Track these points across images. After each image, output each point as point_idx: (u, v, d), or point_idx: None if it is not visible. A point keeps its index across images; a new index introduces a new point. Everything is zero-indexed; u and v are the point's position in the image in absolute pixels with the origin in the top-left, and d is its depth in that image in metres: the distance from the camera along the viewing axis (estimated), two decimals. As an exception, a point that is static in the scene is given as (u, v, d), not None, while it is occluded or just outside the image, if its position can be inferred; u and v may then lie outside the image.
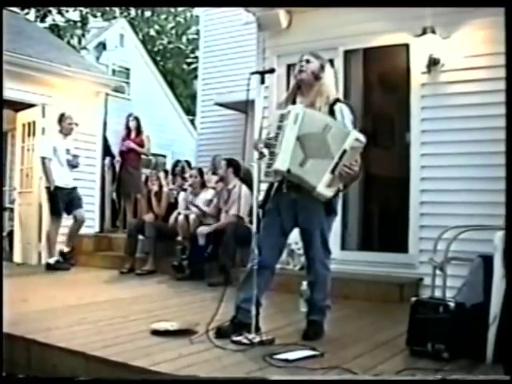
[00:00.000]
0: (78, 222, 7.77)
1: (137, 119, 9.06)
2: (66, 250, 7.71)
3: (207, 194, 7.30)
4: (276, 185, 3.88)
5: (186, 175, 8.16)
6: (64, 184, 7.64)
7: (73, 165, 7.74)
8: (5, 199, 9.76)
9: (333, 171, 3.59)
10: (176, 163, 9.72)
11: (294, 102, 3.91)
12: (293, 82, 4.09)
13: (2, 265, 6.36)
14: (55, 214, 7.73)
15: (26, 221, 8.34)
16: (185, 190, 7.77)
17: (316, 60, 3.91)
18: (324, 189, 3.61)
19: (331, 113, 3.78)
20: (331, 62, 6.19)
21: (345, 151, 3.57)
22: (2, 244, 8.36)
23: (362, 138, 3.62)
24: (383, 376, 3.05)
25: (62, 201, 7.64)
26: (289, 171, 3.64)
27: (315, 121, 3.68)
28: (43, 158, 7.59)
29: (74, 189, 7.79)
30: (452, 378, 2.94)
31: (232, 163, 6.93)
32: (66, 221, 7.82)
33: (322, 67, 3.91)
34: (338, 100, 3.89)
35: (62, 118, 7.73)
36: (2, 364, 3.47)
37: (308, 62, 3.90)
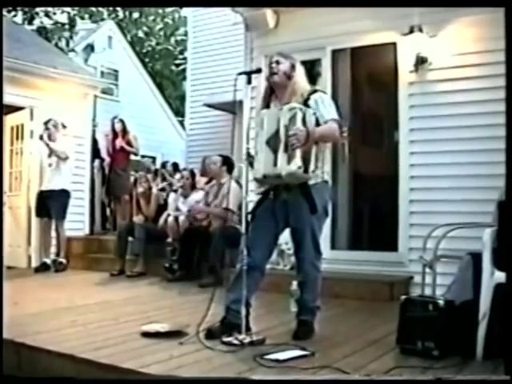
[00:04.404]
0: (61, 236, 7.79)
1: (122, 121, 9.09)
2: (60, 259, 7.72)
3: (197, 196, 7.28)
4: (266, 188, 3.90)
5: (176, 176, 8.15)
6: (44, 187, 7.70)
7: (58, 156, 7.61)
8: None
9: (286, 149, 3.61)
10: (164, 164, 9.69)
11: (268, 106, 3.93)
12: (264, 84, 4.07)
13: (2, 265, 6.34)
14: (37, 215, 7.92)
15: (15, 224, 8.30)
16: (175, 191, 7.76)
17: (286, 60, 3.88)
18: (286, 168, 3.62)
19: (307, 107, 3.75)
20: (317, 61, 6.30)
21: (285, 127, 3.62)
22: (2, 244, 8.32)
23: (295, 104, 3.67)
24: (373, 376, 3.05)
25: (41, 204, 7.70)
26: (265, 176, 3.73)
27: (274, 118, 3.72)
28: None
29: (53, 192, 7.62)
30: (453, 379, 2.94)
31: (227, 162, 6.89)
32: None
33: (293, 66, 3.87)
34: (311, 93, 3.86)
35: (48, 123, 7.69)
36: (2, 364, 3.45)
37: (278, 63, 3.86)
